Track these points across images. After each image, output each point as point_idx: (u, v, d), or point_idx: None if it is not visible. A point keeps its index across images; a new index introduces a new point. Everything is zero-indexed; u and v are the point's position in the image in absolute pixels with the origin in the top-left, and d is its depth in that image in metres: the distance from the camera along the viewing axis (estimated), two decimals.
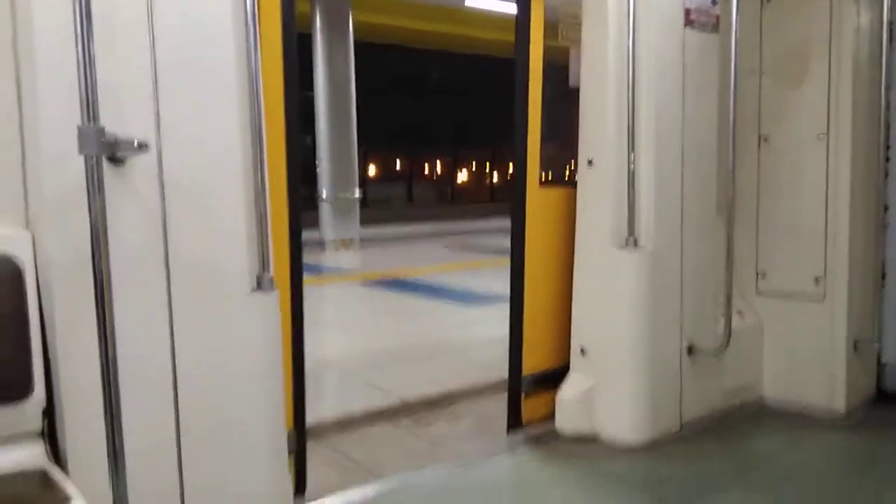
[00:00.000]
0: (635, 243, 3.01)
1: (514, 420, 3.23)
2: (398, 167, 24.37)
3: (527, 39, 2.99)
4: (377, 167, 23.12)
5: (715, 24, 3.16)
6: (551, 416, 3.19)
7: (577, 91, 3.13)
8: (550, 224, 3.23)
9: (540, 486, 2.76)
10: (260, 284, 1.96)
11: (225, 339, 1.91)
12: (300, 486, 2.50)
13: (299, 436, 2.49)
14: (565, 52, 3.31)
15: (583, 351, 3.17)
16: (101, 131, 1.55)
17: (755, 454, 3.04)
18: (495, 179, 25.72)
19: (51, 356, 1.68)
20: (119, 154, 1.65)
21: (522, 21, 2.99)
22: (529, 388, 3.25)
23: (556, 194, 3.25)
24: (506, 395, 3.25)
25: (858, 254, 3.38)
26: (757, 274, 3.61)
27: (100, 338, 1.59)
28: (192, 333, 1.85)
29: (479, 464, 2.91)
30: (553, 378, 3.22)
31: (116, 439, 1.61)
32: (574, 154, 3.17)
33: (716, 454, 3.01)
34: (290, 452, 2.46)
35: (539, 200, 3.17)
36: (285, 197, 2.28)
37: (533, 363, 3.24)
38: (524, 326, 3.19)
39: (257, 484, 2.02)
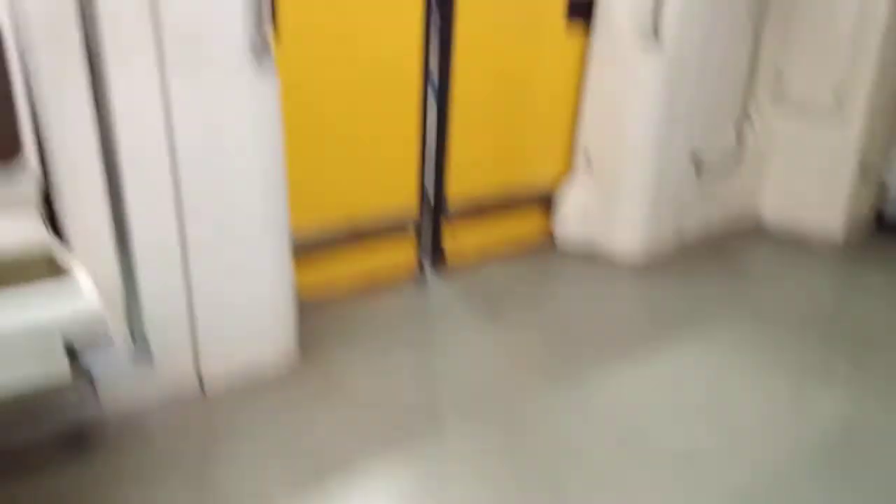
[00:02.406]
0: (658, 44, 2.93)
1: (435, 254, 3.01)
2: None
3: None
4: None
5: None
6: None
7: None
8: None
9: (537, 290, 2.96)
10: (255, 49, 1.88)
11: (222, 109, 1.87)
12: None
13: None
14: None
15: (588, 158, 3.22)
16: None
17: (751, 276, 3.24)
18: None
19: (40, 122, 1.64)
20: None
21: None
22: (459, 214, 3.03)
23: None
24: None
25: (888, 67, 3.37)
26: (777, 84, 3.61)
27: (93, 103, 1.55)
28: (187, 101, 1.80)
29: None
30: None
31: (119, 210, 1.64)
32: None
33: (712, 274, 3.19)
34: (413, 226, 2.85)
35: None
36: None
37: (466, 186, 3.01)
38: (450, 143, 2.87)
39: (260, 273, 2.11)
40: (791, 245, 3.58)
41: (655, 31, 2.92)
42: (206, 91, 1.83)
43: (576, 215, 3.26)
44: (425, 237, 2.97)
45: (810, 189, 3.63)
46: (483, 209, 3.12)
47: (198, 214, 1.91)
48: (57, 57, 1.60)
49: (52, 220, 1.77)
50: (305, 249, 2.55)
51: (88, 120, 1.58)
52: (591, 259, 3.22)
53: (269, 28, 1.89)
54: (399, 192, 2.82)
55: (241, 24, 1.83)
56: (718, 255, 3.40)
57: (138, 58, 1.70)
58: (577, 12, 3.03)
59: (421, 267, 2.99)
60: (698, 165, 3.35)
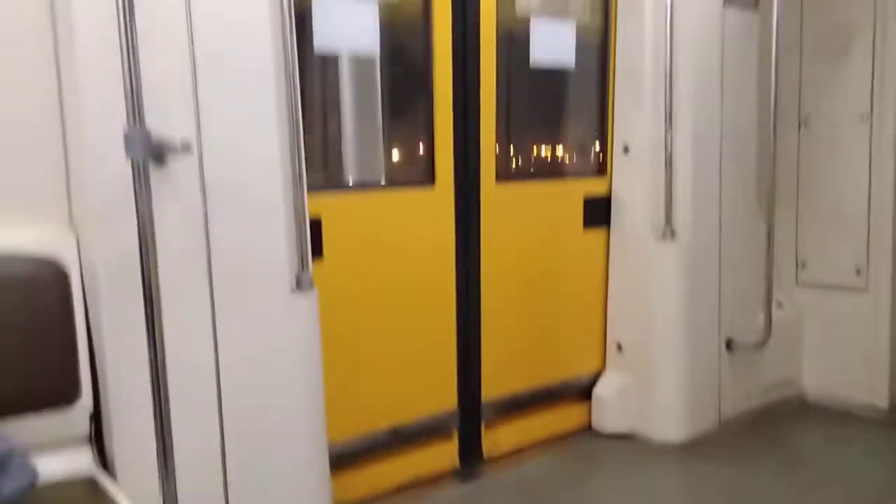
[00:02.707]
0: (672, 234, 3.10)
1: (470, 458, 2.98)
2: None
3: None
4: None
5: (755, 2, 3.23)
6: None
7: (538, 73, 3.11)
8: (520, 229, 3.07)
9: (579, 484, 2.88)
10: (299, 284, 2.06)
11: (265, 340, 2.01)
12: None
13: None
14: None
15: (619, 347, 3.28)
16: (147, 134, 1.64)
17: (796, 455, 3.12)
18: None
19: (97, 360, 1.78)
20: (163, 155, 1.74)
21: None
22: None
23: (520, 191, 3.09)
24: None
25: None
26: (797, 263, 3.71)
27: (149, 341, 1.69)
28: (234, 335, 1.95)
29: None
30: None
31: (167, 443, 1.72)
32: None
33: (756, 455, 3.09)
34: (451, 426, 2.88)
35: (498, 199, 2.95)
36: None
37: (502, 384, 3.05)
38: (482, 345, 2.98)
39: (297, 489, 2.13)
40: (835, 418, 3.48)
41: (670, 225, 3.10)
42: (250, 322, 1.98)
43: (613, 404, 3.25)
44: (464, 437, 2.97)
45: (847, 361, 3.59)
46: (520, 405, 3.14)
47: (240, 441, 1.98)
48: (117, 301, 1.77)
49: (100, 446, 1.86)
50: (344, 458, 2.57)
51: (142, 357, 1.72)
52: (632, 447, 3.16)
53: (310, 262, 2.08)
54: (437, 395, 2.88)
55: (286, 261, 2.02)
56: (762, 435, 3.30)
57: (191, 298, 1.87)
58: (594, 214, 3.24)
59: (460, 466, 2.96)
60: (730, 346, 3.37)
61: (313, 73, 2.65)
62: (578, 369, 3.32)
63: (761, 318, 3.44)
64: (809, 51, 3.60)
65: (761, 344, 3.37)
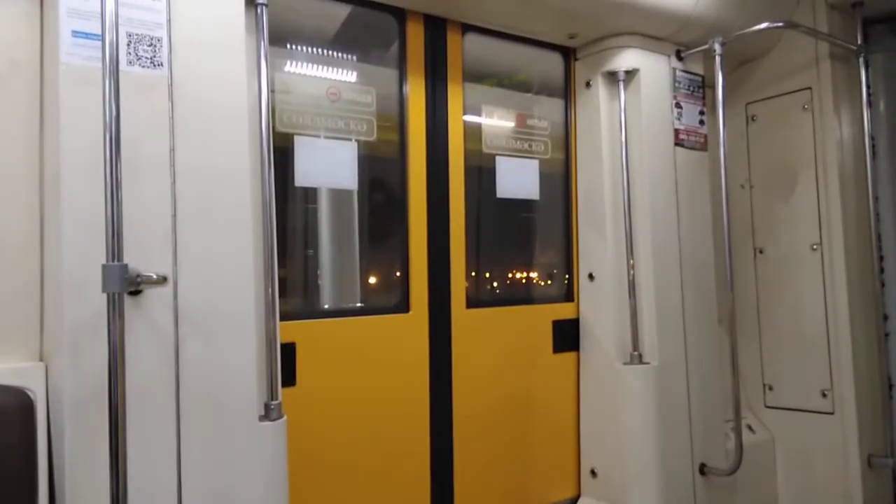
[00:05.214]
0: (640, 358, 3.11)
1: None
2: None
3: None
4: None
5: (703, 143, 3.43)
6: None
7: (506, 203, 3.22)
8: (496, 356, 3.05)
9: None
10: (268, 413, 2.02)
11: (230, 470, 1.95)
12: None
13: None
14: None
15: (593, 473, 3.19)
16: (125, 269, 1.67)
17: None
18: None
19: (56, 491, 1.72)
20: (140, 289, 1.76)
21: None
22: None
23: (489, 316, 3.07)
24: None
25: (863, 365, 3.51)
26: (764, 387, 3.71)
27: (111, 469, 1.64)
28: (199, 464, 1.89)
29: None
30: None
31: None
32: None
33: None
34: None
35: (468, 324, 2.96)
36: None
37: None
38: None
39: None
40: None
41: (637, 349, 3.12)
42: (215, 452, 1.93)
43: None
44: None
45: (823, 485, 3.52)
46: None
47: None
48: (82, 429, 1.73)
49: None
50: None
51: (103, 486, 1.65)
52: None
53: (279, 392, 2.06)
54: None
55: (255, 390, 2.00)
56: None
57: (156, 426, 1.83)
58: (563, 339, 3.26)
59: None
60: (704, 471, 3.29)
61: (292, 204, 2.73)
62: (554, 496, 3.21)
63: (733, 439, 3.39)
64: (759, 186, 3.79)
65: (734, 468, 3.29)
